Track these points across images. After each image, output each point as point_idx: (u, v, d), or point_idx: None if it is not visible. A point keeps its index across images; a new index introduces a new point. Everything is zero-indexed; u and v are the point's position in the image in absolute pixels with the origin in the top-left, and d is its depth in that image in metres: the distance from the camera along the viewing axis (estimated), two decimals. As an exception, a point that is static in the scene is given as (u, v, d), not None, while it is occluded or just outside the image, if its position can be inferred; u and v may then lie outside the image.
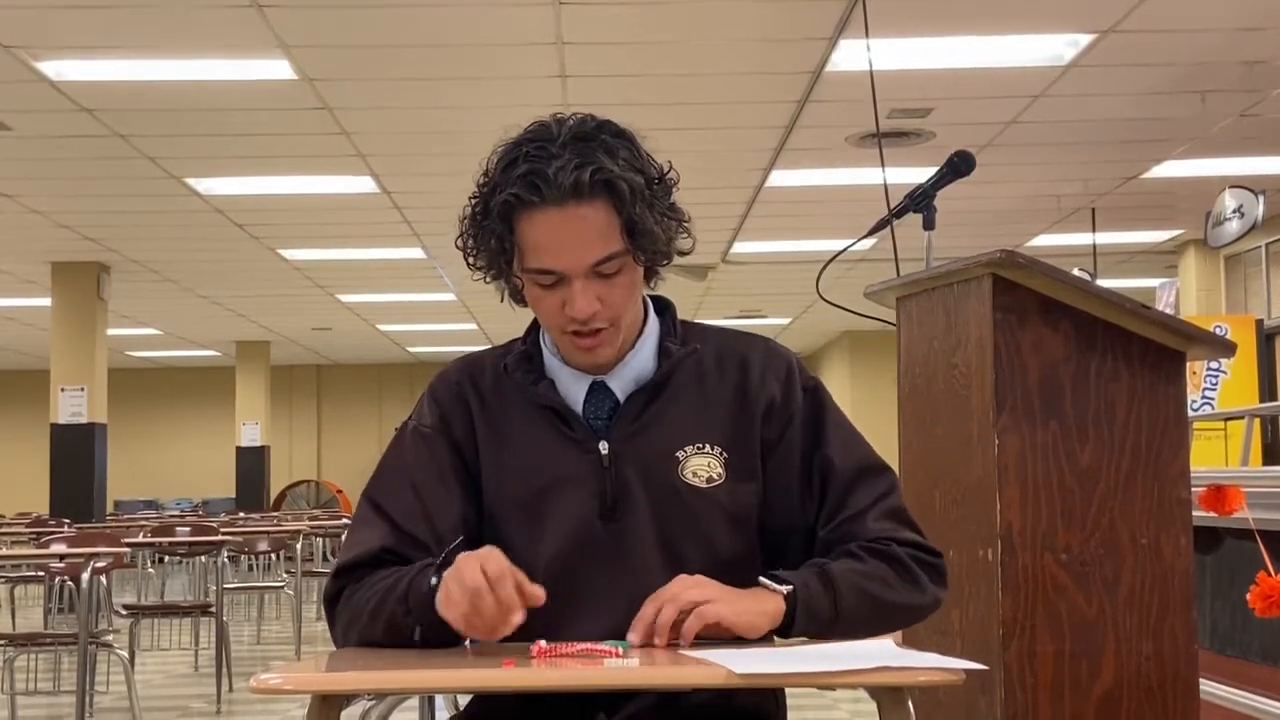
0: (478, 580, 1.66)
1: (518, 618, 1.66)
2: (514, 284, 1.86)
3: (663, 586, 1.73)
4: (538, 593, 1.68)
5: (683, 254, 1.89)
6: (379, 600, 1.78)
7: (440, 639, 1.74)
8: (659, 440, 1.86)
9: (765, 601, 1.73)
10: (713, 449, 1.86)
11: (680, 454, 1.85)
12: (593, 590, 1.81)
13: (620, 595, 1.79)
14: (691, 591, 1.71)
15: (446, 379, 1.95)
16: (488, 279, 1.89)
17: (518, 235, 1.80)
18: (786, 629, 1.74)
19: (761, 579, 1.77)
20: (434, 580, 1.73)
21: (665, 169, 1.85)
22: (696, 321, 1.98)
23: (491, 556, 1.69)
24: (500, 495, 1.87)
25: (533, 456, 1.86)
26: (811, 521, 1.87)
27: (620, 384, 1.89)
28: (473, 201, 1.85)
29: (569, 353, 1.88)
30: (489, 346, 1.99)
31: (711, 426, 1.87)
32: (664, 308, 1.96)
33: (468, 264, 1.88)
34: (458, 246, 1.87)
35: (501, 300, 1.92)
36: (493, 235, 1.82)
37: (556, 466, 1.85)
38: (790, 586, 1.74)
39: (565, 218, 1.77)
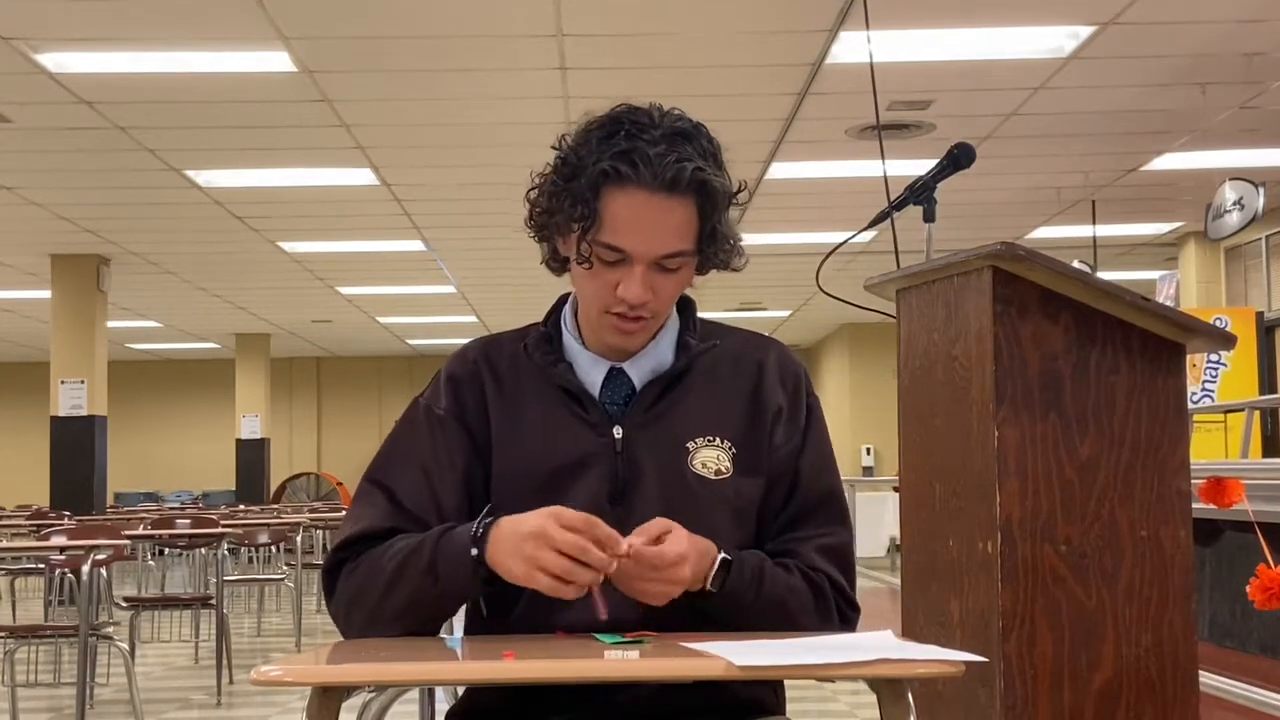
0: (571, 539, 1.67)
1: (622, 548, 1.69)
2: (580, 249, 1.82)
3: (658, 519, 1.76)
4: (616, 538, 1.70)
5: (735, 270, 1.92)
6: (394, 573, 1.79)
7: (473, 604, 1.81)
8: (671, 429, 1.88)
9: (710, 551, 1.78)
10: (722, 443, 1.89)
11: (691, 444, 1.88)
12: None
13: (624, 578, 1.80)
14: (673, 569, 1.73)
15: (464, 359, 1.96)
16: (537, 238, 1.90)
17: (601, 205, 1.80)
18: (703, 586, 1.78)
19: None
20: (474, 551, 1.74)
21: (741, 185, 1.89)
22: (714, 320, 2.02)
23: (560, 511, 1.70)
24: (513, 474, 1.88)
25: (547, 437, 1.88)
26: (768, 524, 1.92)
27: (638, 372, 1.91)
28: (560, 160, 1.85)
29: (602, 331, 1.89)
30: (508, 329, 2.00)
31: (722, 421, 1.90)
32: (684, 303, 1.98)
33: (528, 218, 1.89)
34: (527, 200, 1.88)
35: (542, 261, 1.93)
36: (577, 200, 1.80)
37: (570, 448, 1.87)
38: (729, 558, 1.79)
39: (654, 204, 1.79)
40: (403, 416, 1.97)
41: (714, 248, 1.85)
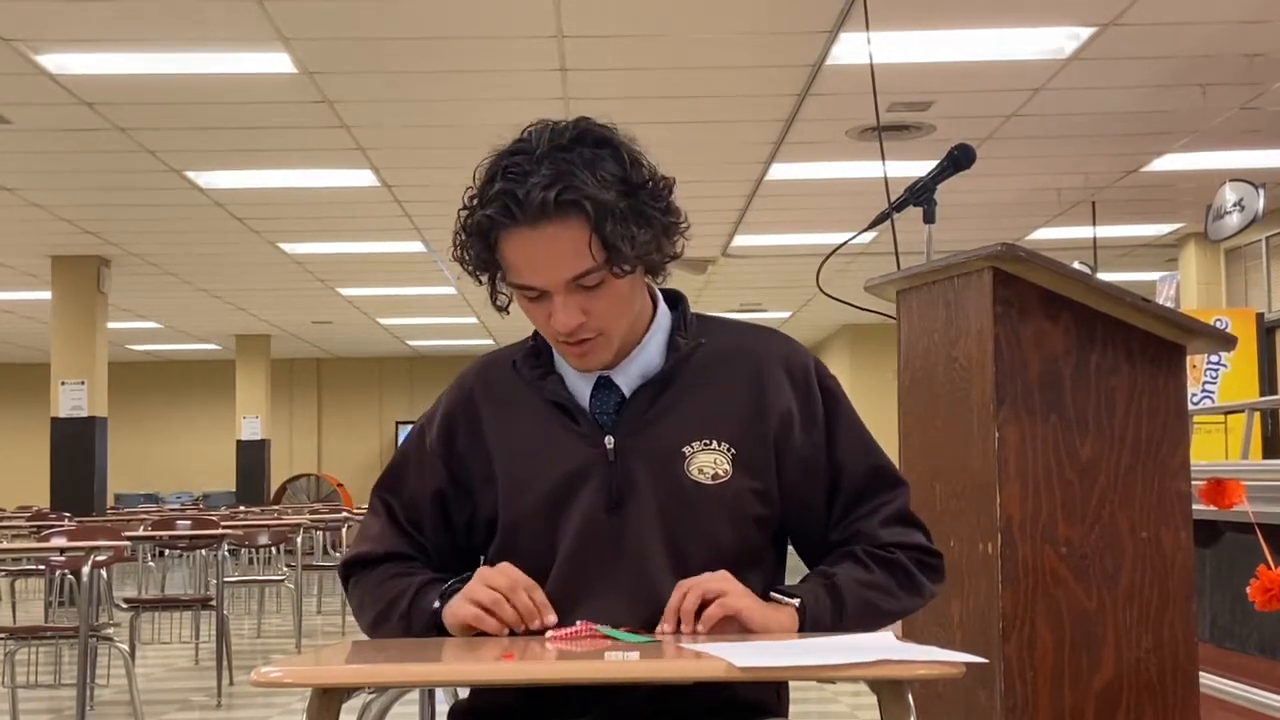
0: (505, 580, 1.78)
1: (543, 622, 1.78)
2: (497, 299, 1.87)
3: (670, 580, 1.79)
4: (549, 618, 1.78)
5: (673, 258, 1.88)
6: (384, 608, 1.89)
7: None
8: (665, 435, 1.86)
9: (780, 613, 1.79)
10: (720, 445, 1.86)
11: (687, 449, 1.85)
12: (598, 583, 1.82)
13: (623, 589, 1.81)
14: (715, 583, 1.76)
15: (462, 386, 1.97)
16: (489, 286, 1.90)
17: (498, 253, 1.81)
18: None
19: (772, 593, 1.82)
20: (436, 604, 1.83)
21: (653, 174, 1.82)
22: (712, 314, 1.97)
23: (509, 566, 1.81)
24: (513, 491, 1.88)
25: (543, 452, 1.88)
26: (823, 522, 1.90)
27: (626, 379, 1.89)
28: (462, 214, 1.85)
29: (564, 356, 1.90)
30: (509, 344, 2.01)
31: (720, 422, 1.87)
32: (676, 301, 1.96)
33: (466, 271, 1.89)
34: (454, 258, 1.88)
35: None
36: (474, 252, 1.83)
37: (565, 462, 1.86)
38: (799, 600, 1.80)
39: (538, 236, 1.76)
40: (411, 430, 2.04)
41: (618, 255, 1.77)
